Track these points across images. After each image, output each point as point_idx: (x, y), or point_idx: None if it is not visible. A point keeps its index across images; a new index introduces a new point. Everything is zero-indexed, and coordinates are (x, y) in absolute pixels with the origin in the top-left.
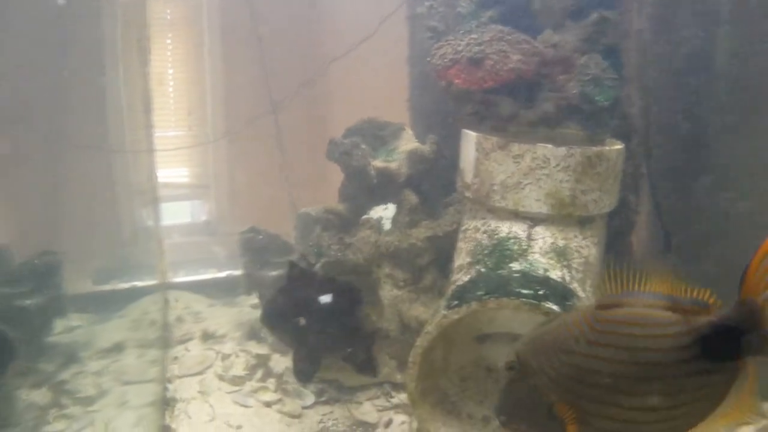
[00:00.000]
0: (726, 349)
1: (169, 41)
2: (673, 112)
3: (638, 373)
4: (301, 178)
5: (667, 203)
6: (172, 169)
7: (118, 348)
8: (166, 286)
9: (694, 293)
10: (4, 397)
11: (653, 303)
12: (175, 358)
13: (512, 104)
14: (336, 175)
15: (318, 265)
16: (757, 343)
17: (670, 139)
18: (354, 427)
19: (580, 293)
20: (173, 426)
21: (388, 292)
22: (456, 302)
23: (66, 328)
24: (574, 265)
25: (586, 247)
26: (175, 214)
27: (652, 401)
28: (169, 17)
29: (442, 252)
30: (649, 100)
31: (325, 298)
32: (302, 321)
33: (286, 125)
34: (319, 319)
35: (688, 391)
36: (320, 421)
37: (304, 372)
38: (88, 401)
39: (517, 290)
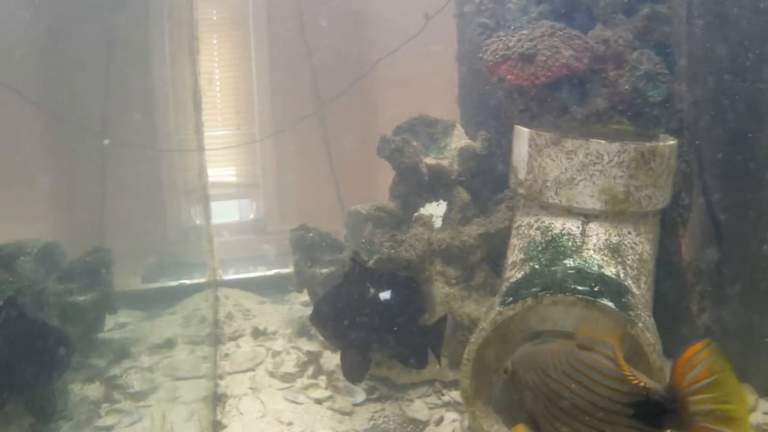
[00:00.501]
0: (652, 418)
1: (215, 41)
2: (723, 107)
3: (589, 408)
4: (349, 177)
5: (719, 200)
6: (221, 168)
7: (169, 344)
8: (217, 284)
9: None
10: (59, 391)
11: (616, 357)
12: (226, 354)
13: (564, 100)
14: (384, 173)
15: (371, 262)
16: (675, 421)
17: (721, 135)
18: (405, 424)
19: (635, 290)
20: (225, 422)
21: (439, 290)
22: (510, 299)
23: (117, 325)
24: (629, 262)
25: (640, 243)
26: (225, 212)
27: (594, 428)
28: (215, 18)
29: (494, 249)
30: (700, 96)
31: (385, 295)
32: (357, 319)
33: (335, 124)
34: (379, 317)
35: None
36: (371, 419)
37: (355, 372)
38: (140, 396)
39: (573, 287)
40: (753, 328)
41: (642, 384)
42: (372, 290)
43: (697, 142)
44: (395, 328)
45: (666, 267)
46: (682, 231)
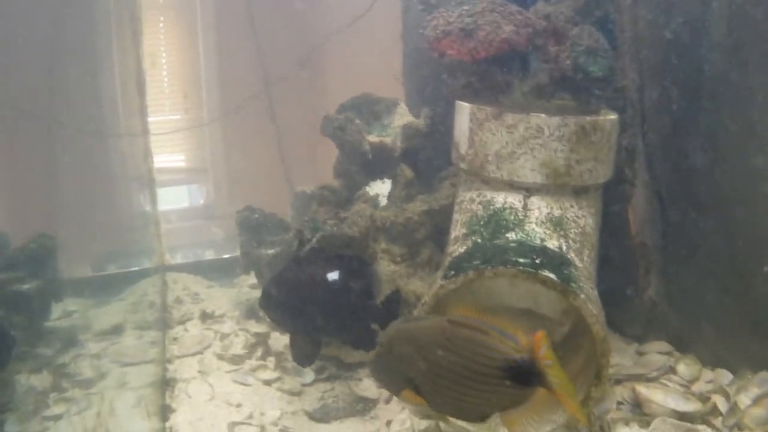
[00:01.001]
0: (519, 378)
1: (161, 24)
2: (667, 84)
3: (464, 374)
4: (298, 159)
5: (663, 176)
6: (169, 155)
7: (117, 330)
8: (165, 269)
9: (514, 332)
10: (3, 382)
11: (486, 331)
12: (175, 338)
13: (506, 76)
14: (333, 154)
15: (314, 240)
16: (537, 380)
17: (665, 111)
18: (354, 403)
19: (578, 263)
20: (173, 405)
21: (385, 268)
22: (452, 272)
23: (64, 313)
24: (571, 235)
25: (582, 217)
26: (173, 198)
27: (471, 393)
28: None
29: (439, 226)
30: (643, 73)
31: (334, 276)
32: (306, 303)
33: (283, 106)
34: (328, 300)
35: (495, 394)
36: (320, 398)
37: (306, 356)
38: (88, 383)
39: (514, 259)
40: (696, 300)
41: (514, 352)
42: (320, 273)
43: (641, 118)
44: (345, 311)
45: (610, 241)
46: (626, 206)
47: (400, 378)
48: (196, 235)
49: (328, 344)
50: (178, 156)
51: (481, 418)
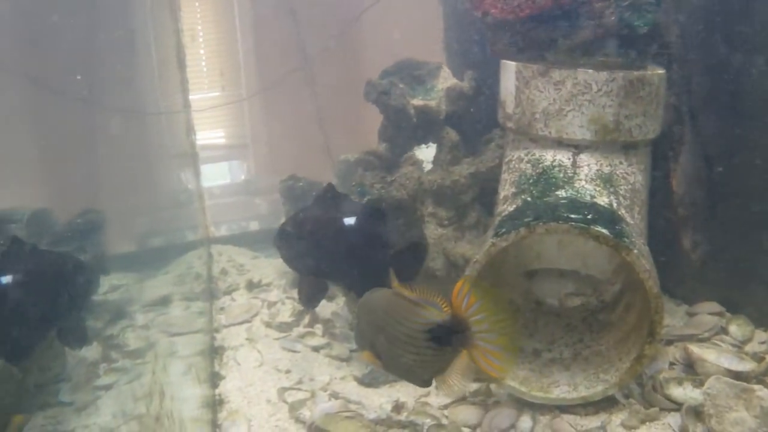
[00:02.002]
0: (443, 340)
1: (197, 2)
2: (713, 39)
3: (403, 336)
4: (338, 129)
5: (710, 133)
6: (210, 131)
7: (164, 302)
8: (209, 241)
9: (439, 300)
10: (56, 353)
11: (419, 302)
12: (222, 308)
13: (550, 33)
14: (372, 123)
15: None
16: (461, 341)
17: (711, 67)
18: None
19: (629, 219)
20: (223, 372)
21: (432, 231)
22: (503, 230)
23: (111, 287)
24: (621, 192)
25: (632, 173)
26: (214, 175)
27: (410, 358)
28: None
29: (486, 189)
30: (688, 27)
31: (350, 221)
32: (319, 244)
33: (322, 77)
34: (341, 244)
35: (426, 355)
36: (368, 364)
37: (310, 299)
38: (137, 354)
39: (566, 215)
40: (746, 260)
41: (434, 316)
42: (333, 216)
43: (687, 75)
44: (353, 257)
45: (658, 202)
46: (674, 165)
47: (366, 341)
48: (238, 210)
49: None
50: (217, 133)
51: (424, 382)
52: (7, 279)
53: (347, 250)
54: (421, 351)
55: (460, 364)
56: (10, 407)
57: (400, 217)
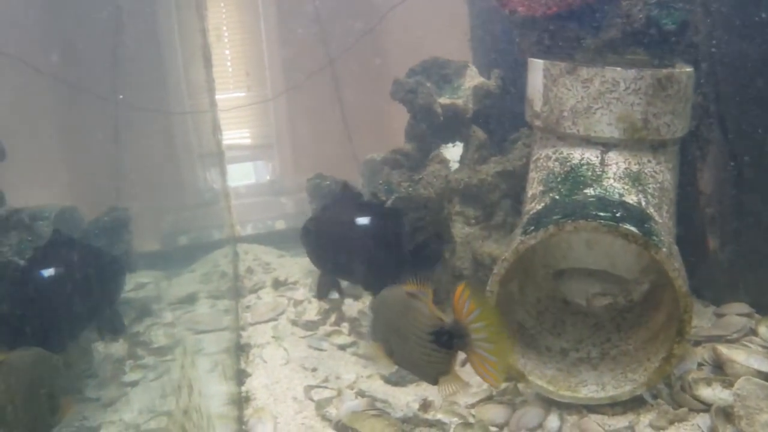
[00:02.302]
0: (445, 342)
1: (222, 2)
2: (741, 38)
3: (411, 334)
4: (363, 129)
5: (737, 133)
6: (235, 131)
7: (190, 299)
8: (236, 240)
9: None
10: (82, 350)
11: (428, 307)
12: (248, 306)
13: (578, 31)
14: (397, 123)
15: (389, 202)
16: (461, 346)
17: (740, 66)
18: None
19: (657, 218)
20: (249, 370)
21: (459, 230)
22: (532, 227)
23: (137, 285)
24: (650, 191)
25: (660, 172)
26: (241, 175)
27: (418, 351)
28: None
29: (513, 188)
30: (716, 26)
31: (365, 221)
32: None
33: (346, 76)
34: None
35: (431, 355)
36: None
37: (323, 291)
38: (163, 351)
39: (594, 213)
40: None
41: (439, 319)
42: (349, 216)
43: (714, 74)
44: (365, 256)
45: (686, 201)
46: (701, 164)
47: (380, 336)
48: (264, 210)
49: None
50: (243, 133)
51: (432, 379)
52: (51, 269)
53: (360, 249)
54: (428, 350)
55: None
56: (58, 392)
57: (426, 215)
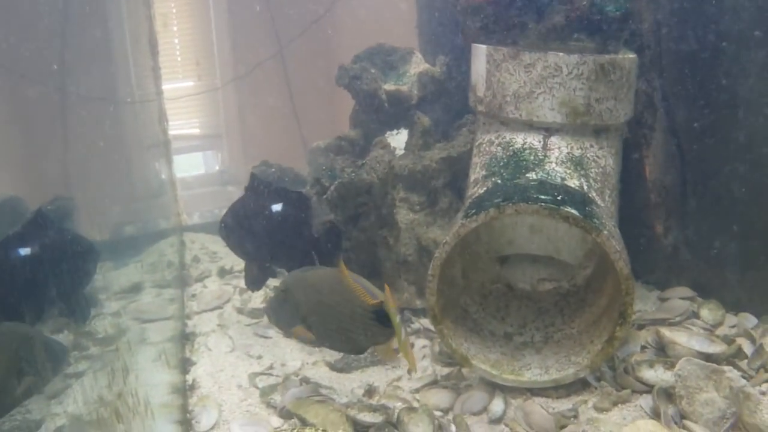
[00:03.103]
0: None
1: None
2: (685, 25)
3: (349, 314)
4: (312, 117)
5: (682, 119)
6: (184, 121)
7: (135, 289)
8: (182, 229)
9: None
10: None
11: (358, 287)
12: (193, 295)
13: (522, 17)
14: (347, 111)
15: (332, 188)
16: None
17: (683, 53)
18: (375, 353)
19: (599, 202)
20: (194, 358)
21: (404, 217)
22: (473, 211)
23: None
24: (592, 175)
25: (603, 157)
26: (189, 166)
27: (351, 330)
28: None
29: (457, 174)
30: (660, 14)
31: (276, 207)
32: (254, 232)
33: (295, 64)
34: (271, 230)
35: (365, 332)
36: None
37: (255, 281)
38: (108, 341)
39: (536, 196)
40: (717, 245)
41: (379, 301)
42: (264, 204)
43: (658, 62)
44: (285, 241)
45: (630, 187)
46: (646, 151)
47: (294, 317)
48: (212, 200)
49: None
50: (192, 123)
51: (359, 350)
52: (28, 249)
53: (270, 235)
54: (365, 326)
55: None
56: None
57: (369, 200)
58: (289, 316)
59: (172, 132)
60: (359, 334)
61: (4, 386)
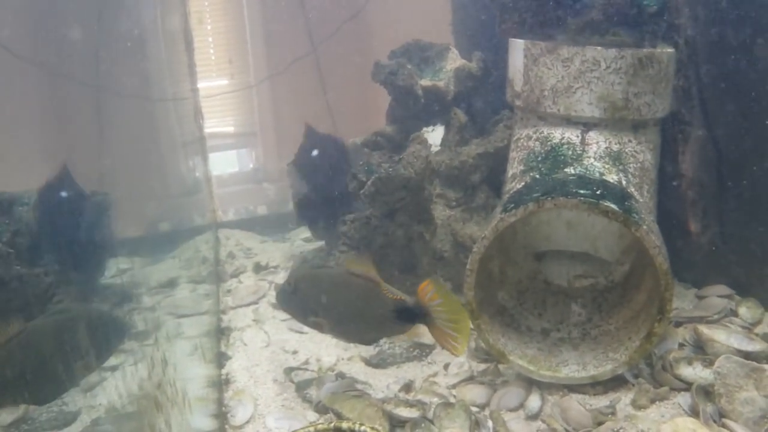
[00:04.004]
0: (407, 318)
1: None
2: (723, 21)
3: (361, 311)
4: (347, 113)
5: (719, 116)
6: (218, 119)
7: (170, 284)
8: (217, 225)
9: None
10: None
11: (378, 282)
12: (229, 290)
13: (559, 11)
14: (381, 108)
15: (369, 183)
16: (423, 320)
17: (720, 49)
18: (411, 349)
19: (638, 197)
20: (229, 353)
21: (440, 213)
22: (512, 205)
23: (119, 271)
24: (630, 170)
25: (641, 152)
26: (224, 163)
27: (366, 325)
28: None
29: (494, 170)
30: (698, 8)
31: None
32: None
33: (330, 61)
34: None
35: (385, 326)
36: (376, 345)
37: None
38: (144, 335)
39: (575, 190)
40: (755, 243)
41: (400, 298)
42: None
43: (695, 57)
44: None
45: (667, 184)
46: (683, 147)
47: (305, 311)
48: (247, 198)
49: None
50: (227, 121)
51: (372, 342)
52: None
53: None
54: (383, 322)
55: (413, 330)
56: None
57: (406, 195)
58: (300, 309)
59: (207, 130)
60: (371, 328)
61: (66, 368)
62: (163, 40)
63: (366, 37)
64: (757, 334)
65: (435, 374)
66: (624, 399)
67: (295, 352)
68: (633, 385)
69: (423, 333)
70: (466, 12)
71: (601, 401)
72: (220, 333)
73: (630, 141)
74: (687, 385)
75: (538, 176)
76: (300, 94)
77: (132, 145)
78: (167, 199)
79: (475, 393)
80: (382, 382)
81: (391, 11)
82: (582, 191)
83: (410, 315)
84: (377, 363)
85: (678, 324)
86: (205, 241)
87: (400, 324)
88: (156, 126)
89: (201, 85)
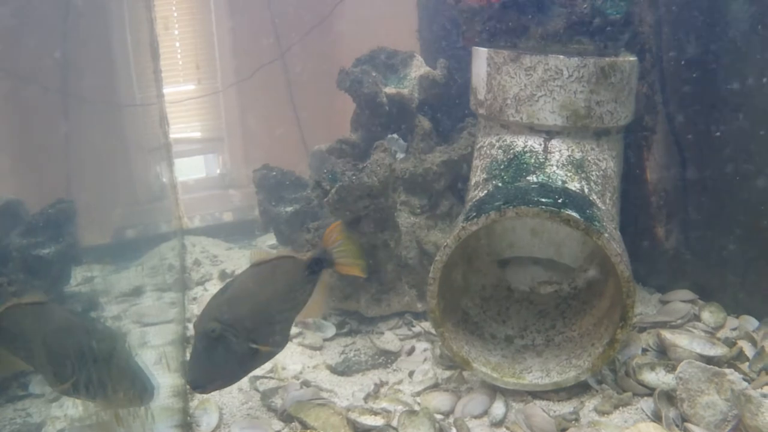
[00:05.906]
0: (316, 268)
1: None
2: (685, 29)
3: (273, 293)
4: (313, 120)
5: (683, 123)
6: (185, 124)
7: (136, 293)
8: (183, 233)
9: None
10: None
11: (290, 254)
12: (194, 298)
13: (522, 20)
14: (348, 115)
15: (332, 191)
16: (328, 264)
17: (683, 57)
18: (376, 356)
19: (600, 204)
20: None
21: (405, 220)
22: (474, 214)
23: (84, 279)
24: (593, 178)
25: (603, 160)
26: (190, 169)
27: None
28: None
29: (458, 177)
30: (661, 17)
31: None
32: None
33: (297, 67)
34: None
35: (299, 290)
36: (342, 352)
37: None
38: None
39: (537, 199)
40: (719, 248)
41: (309, 254)
42: None
43: (659, 65)
44: None
45: (631, 190)
46: (647, 154)
47: (238, 351)
48: (213, 204)
49: (348, 297)
50: (193, 126)
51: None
52: None
53: None
54: (299, 287)
55: (320, 287)
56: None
57: (370, 203)
58: (226, 357)
59: (173, 135)
60: (297, 303)
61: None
62: (129, 45)
63: (333, 43)
64: (719, 339)
65: (400, 382)
66: (588, 405)
67: None
68: (597, 391)
69: (389, 340)
70: (431, 18)
71: (565, 407)
72: (186, 342)
73: (593, 149)
74: (650, 391)
75: (500, 184)
76: (267, 99)
77: (97, 151)
78: (133, 206)
79: (439, 400)
80: (347, 390)
81: (358, 18)
82: (544, 199)
83: (319, 263)
84: (342, 371)
85: (642, 329)
86: (171, 249)
87: (313, 277)
88: (121, 132)
89: (168, 90)
